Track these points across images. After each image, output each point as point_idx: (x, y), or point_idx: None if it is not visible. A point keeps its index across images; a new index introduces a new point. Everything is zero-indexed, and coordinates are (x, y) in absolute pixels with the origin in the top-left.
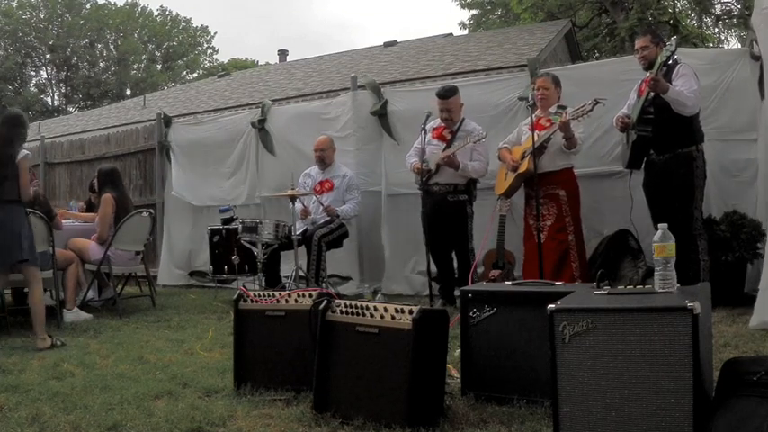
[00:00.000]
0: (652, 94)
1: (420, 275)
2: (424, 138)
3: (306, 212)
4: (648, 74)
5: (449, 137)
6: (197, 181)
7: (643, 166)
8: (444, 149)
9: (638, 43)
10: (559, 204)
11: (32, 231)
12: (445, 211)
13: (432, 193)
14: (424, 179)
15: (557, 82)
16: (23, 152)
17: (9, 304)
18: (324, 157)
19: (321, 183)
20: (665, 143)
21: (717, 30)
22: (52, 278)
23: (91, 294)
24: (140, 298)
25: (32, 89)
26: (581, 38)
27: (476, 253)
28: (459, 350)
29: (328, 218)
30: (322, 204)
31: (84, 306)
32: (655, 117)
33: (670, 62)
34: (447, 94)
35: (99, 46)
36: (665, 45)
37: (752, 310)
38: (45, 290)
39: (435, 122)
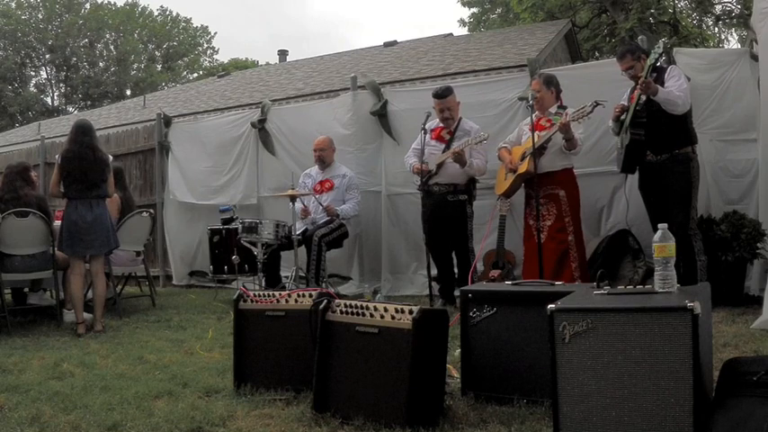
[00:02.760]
0: (643, 98)
1: (420, 275)
2: (424, 138)
3: (306, 212)
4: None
5: (447, 137)
6: (196, 181)
7: (638, 168)
8: (444, 150)
9: (622, 67)
10: (559, 204)
11: None
12: (445, 211)
13: (432, 193)
14: (423, 179)
15: (549, 82)
16: (110, 157)
17: (9, 304)
18: (323, 157)
19: (321, 182)
20: (662, 144)
21: (717, 30)
22: (52, 278)
23: (91, 294)
24: (140, 298)
25: (32, 89)
26: (581, 38)
27: (476, 253)
28: (459, 350)
29: (328, 218)
30: (321, 204)
31: (85, 306)
32: (647, 120)
33: (658, 64)
34: (444, 94)
35: (98, 46)
36: (652, 51)
37: (752, 310)
38: (45, 290)
39: (433, 123)
